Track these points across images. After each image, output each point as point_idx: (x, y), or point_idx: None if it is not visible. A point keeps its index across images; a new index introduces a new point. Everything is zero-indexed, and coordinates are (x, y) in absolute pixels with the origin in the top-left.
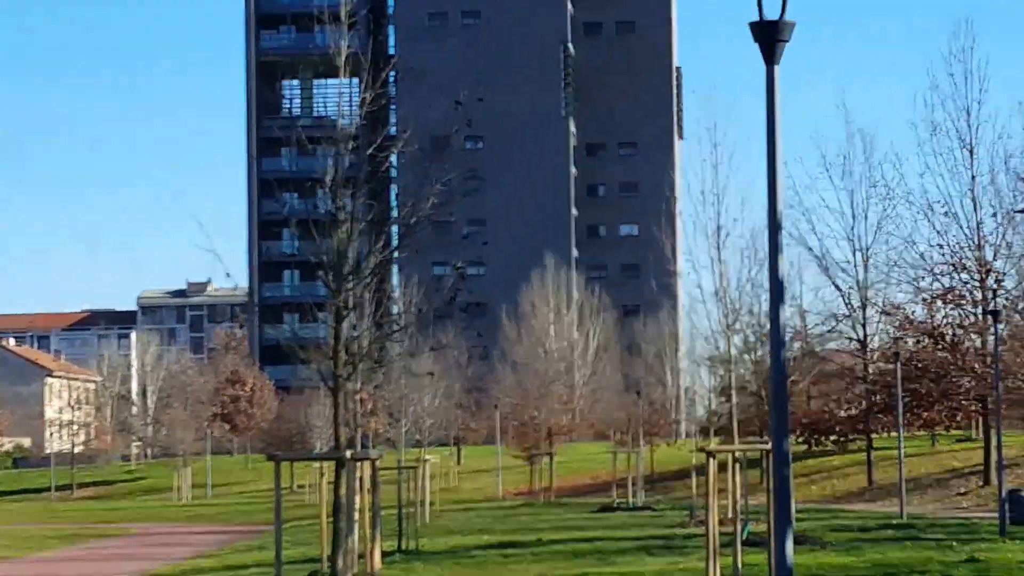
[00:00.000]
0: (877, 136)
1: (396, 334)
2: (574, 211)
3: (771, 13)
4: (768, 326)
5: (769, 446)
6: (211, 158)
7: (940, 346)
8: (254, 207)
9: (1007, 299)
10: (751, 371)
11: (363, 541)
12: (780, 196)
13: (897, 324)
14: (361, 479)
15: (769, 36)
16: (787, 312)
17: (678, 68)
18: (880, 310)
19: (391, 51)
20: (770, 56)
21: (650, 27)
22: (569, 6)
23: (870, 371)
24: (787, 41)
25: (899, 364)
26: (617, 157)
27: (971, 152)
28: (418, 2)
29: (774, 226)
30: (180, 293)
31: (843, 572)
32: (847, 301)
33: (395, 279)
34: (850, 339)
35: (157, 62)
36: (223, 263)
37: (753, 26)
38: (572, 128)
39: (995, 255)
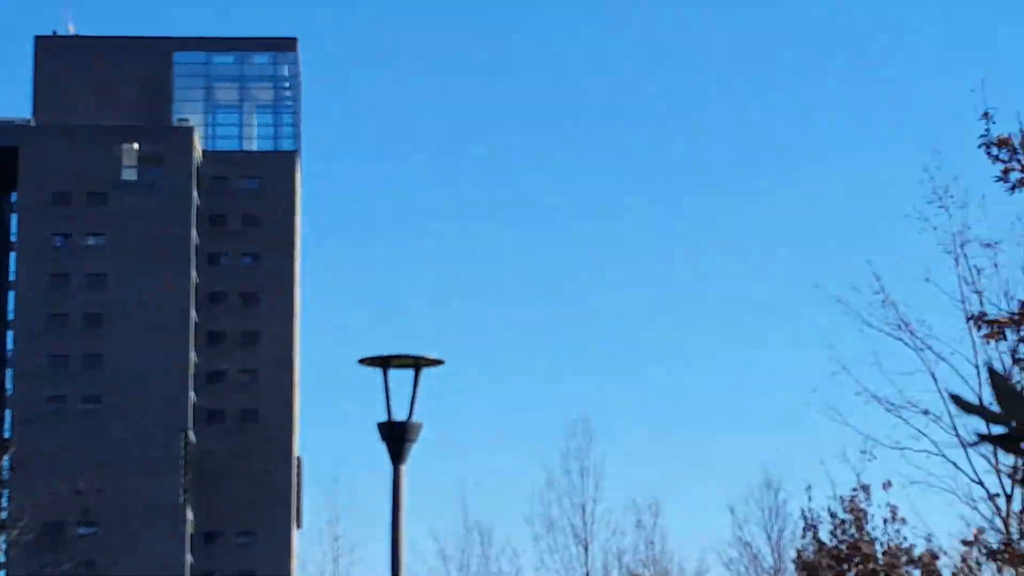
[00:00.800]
0: (494, 530)
1: None
2: None
3: (399, 413)
4: None
5: None
6: None
7: None
8: None
9: None
10: None
11: None
12: None
13: None
14: None
15: (397, 437)
16: None
17: (299, 457)
18: None
19: (7, 434)
20: (397, 456)
21: (272, 416)
22: (192, 395)
23: None
24: (415, 441)
25: None
26: (235, 546)
27: (586, 548)
28: (36, 385)
29: None
30: None
31: None
32: None
33: None
34: None
35: None
36: None
37: (381, 427)
38: (190, 515)
39: None
